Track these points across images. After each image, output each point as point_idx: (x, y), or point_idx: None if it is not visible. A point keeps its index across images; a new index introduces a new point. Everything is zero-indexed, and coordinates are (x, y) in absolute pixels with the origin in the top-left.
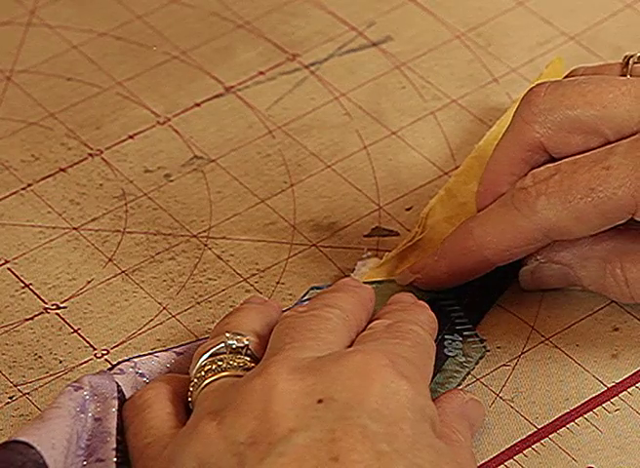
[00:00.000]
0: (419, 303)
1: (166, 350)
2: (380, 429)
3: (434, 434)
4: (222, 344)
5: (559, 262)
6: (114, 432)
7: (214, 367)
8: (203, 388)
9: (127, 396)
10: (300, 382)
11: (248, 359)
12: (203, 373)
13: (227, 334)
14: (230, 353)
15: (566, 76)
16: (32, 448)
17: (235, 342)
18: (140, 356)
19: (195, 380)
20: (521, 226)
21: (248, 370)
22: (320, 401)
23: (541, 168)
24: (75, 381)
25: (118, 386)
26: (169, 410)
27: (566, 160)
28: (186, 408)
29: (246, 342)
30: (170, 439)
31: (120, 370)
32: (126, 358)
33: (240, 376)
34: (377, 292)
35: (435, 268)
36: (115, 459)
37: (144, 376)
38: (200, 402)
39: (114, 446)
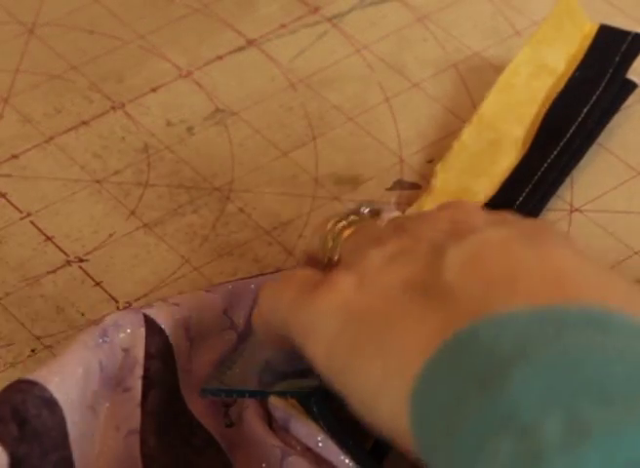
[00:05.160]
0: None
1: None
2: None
3: None
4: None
5: None
6: (142, 361)
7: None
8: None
9: (160, 322)
10: (481, 213)
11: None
12: (338, 230)
13: (362, 205)
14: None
15: None
16: (36, 384)
17: (367, 207)
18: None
19: (331, 242)
20: None
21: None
22: (504, 221)
23: None
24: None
25: (145, 316)
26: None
27: None
28: None
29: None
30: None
31: (148, 304)
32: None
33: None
34: None
35: None
36: (141, 388)
37: (178, 305)
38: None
39: (141, 373)
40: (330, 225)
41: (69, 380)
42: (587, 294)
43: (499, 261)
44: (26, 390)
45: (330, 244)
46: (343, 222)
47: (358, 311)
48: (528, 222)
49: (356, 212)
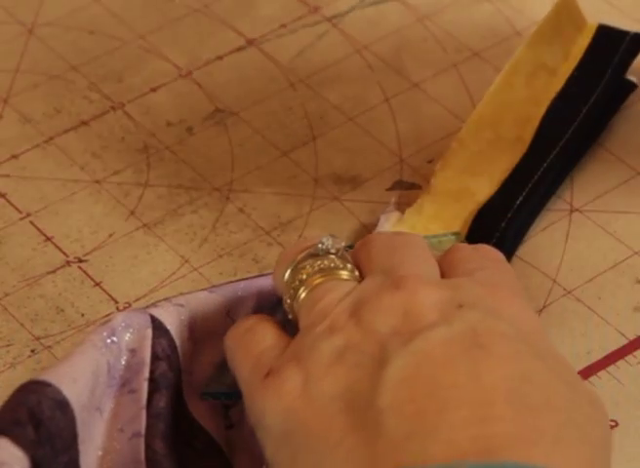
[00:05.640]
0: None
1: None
2: (519, 336)
3: None
4: (321, 245)
5: None
6: (148, 361)
7: (309, 267)
8: (311, 290)
9: (166, 323)
10: (438, 293)
11: (343, 262)
12: (304, 276)
13: (324, 238)
14: (325, 254)
15: None
16: (49, 385)
17: (331, 243)
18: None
19: (291, 291)
20: None
21: (344, 269)
22: (460, 306)
23: None
24: (104, 323)
25: (152, 317)
26: (277, 329)
27: None
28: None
29: (343, 244)
30: (287, 344)
31: (153, 304)
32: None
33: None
34: None
35: None
36: (147, 389)
37: (183, 306)
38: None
39: (146, 375)
40: (296, 262)
41: (80, 381)
42: (508, 443)
43: (431, 386)
44: (40, 391)
45: (291, 292)
46: (305, 273)
47: (299, 423)
48: (492, 303)
49: (319, 250)
